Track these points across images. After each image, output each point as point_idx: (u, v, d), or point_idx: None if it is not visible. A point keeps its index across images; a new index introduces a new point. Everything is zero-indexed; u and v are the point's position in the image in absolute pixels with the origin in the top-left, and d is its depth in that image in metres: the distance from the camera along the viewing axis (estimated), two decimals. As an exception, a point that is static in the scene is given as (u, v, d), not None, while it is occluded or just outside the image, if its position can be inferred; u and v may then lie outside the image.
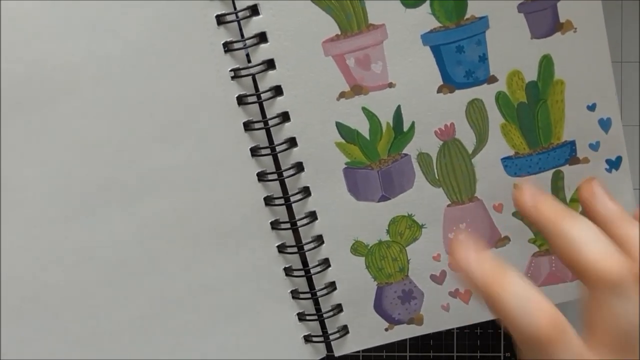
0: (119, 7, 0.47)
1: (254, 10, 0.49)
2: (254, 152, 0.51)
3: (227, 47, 0.49)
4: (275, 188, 0.52)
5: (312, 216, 0.52)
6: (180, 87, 0.49)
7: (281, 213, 0.52)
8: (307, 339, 0.55)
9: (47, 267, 0.50)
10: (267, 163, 0.51)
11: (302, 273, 0.53)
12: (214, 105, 0.50)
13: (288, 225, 0.52)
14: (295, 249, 0.53)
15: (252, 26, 0.49)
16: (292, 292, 0.54)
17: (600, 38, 0.49)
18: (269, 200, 0.52)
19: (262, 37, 0.49)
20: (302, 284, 0.54)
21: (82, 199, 0.49)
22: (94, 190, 0.49)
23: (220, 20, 0.48)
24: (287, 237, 0.53)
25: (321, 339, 0.55)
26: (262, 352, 0.54)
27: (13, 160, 0.48)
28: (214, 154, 0.50)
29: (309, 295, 0.54)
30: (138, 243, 0.50)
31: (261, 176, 0.51)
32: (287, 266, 0.53)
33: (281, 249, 0.53)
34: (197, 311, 0.52)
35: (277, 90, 0.50)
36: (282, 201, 0.52)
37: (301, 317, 0.54)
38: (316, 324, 0.55)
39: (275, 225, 0.52)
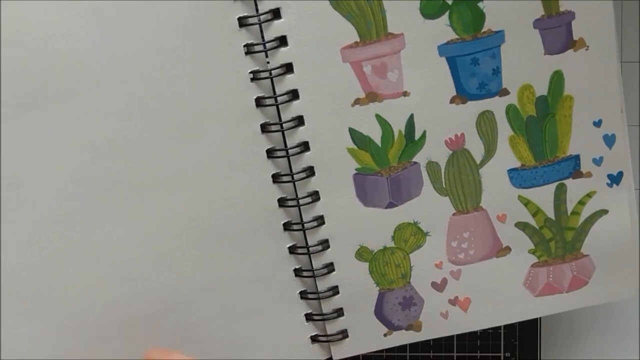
0: (139, 6, 0.47)
1: (275, 14, 0.49)
2: (270, 153, 0.51)
3: (248, 49, 0.49)
4: (289, 190, 0.52)
5: (320, 220, 0.53)
6: (199, 87, 0.49)
7: (294, 215, 0.52)
8: (315, 339, 0.55)
9: (57, 265, 0.49)
10: (283, 165, 0.52)
11: (310, 274, 0.53)
12: (233, 106, 0.50)
13: (297, 227, 0.52)
14: (304, 250, 0.53)
15: (273, 29, 0.49)
16: (300, 292, 0.54)
17: (610, 57, 0.51)
18: (282, 202, 0.52)
19: (282, 41, 0.49)
20: (311, 284, 0.54)
21: (94, 196, 0.49)
22: (107, 187, 0.49)
23: (242, 22, 0.49)
24: (299, 238, 0.53)
25: (327, 338, 0.55)
26: (270, 351, 0.54)
27: (25, 157, 0.48)
28: (231, 154, 0.50)
29: (316, 296, 0.54)
30: (151, 241, 0.50)
31: (275, 178, 0.51)
32: (297, 267, 0.54)
33: (292, 250, 0.53)
34: (207, 309, 0.52)
35: (294, 94, 0.50)
36: (293, 203, 0.52)
37: (309, 317, 0.55)
38: (324, 324, 0.55)
39: (287, 226, 0.52)
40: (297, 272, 0.54)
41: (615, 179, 0.53)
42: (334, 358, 0.56)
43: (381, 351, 0.56)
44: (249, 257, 0.52)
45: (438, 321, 0.56)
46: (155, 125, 0.49)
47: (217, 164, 0.50)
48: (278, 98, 0.50)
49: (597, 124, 0.52)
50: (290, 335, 0.55)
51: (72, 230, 0.49)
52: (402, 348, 0.62)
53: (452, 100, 0.51)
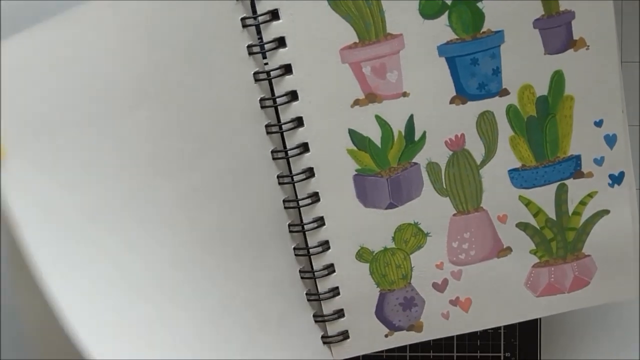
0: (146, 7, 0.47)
1: (274, 15, 0.49)
2: (274, 155, 0.51)
3: (249, 50, 0.49)
4: (289, 191, 0.52)
5: (320, 221, 0.53)
6: (205, 88, 0.49)
7: (295, 216, 0.53)
8: (325, 340, 0.55)
9: (80, 282, 0.49)
10: (283, 166, 0.52)
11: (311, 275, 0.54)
12: (238, 108, 0.50)
13: (298, 229, 0.53)
14: (304, 252, 0.53)
15: (272, 30, 0.49)
16: (306, 294, 0.54)
17: (611, 56, 0.50)
18: (286, 203, 0.52)
19: (280, 42, 0.49)
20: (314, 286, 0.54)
21: (104, 202, 0.49)
22: (117, 192, 0.49)
23: (243, 23, 0.49)
24: (301, 240, 0.53)
25: (328, 339, 0.55)
26: (281, 352, 0.54)
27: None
28: (238, 155, 0.50)
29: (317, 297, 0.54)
30: (165, 249, 0.50)
31: (280, 179, 0.52)
32: (300, 268, 0.54)
33: (296, 251, 0.53)
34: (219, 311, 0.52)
35: (293, 95, 0.50)
36: (293, 205, 0.52)
37: (317, 318, 0.55)
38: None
39: (291, 228, 0.53)
40: (302, 274, 0.54)
41: (616, 179, 0.53)
42: (334, 358, 0.56)
43: (381, 351, 0.56)
44: (258, 259, 0.52)
45: (439, 322, 0.56)
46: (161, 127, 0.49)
47: (222, 166, 0.50)
48: (277, 99, 0.50)
49: (598, 124, 0.52)
50: (300, 337, 0.54)
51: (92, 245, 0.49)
52: (402, 348, 0.61)
53: (452, 101, 0.51)
